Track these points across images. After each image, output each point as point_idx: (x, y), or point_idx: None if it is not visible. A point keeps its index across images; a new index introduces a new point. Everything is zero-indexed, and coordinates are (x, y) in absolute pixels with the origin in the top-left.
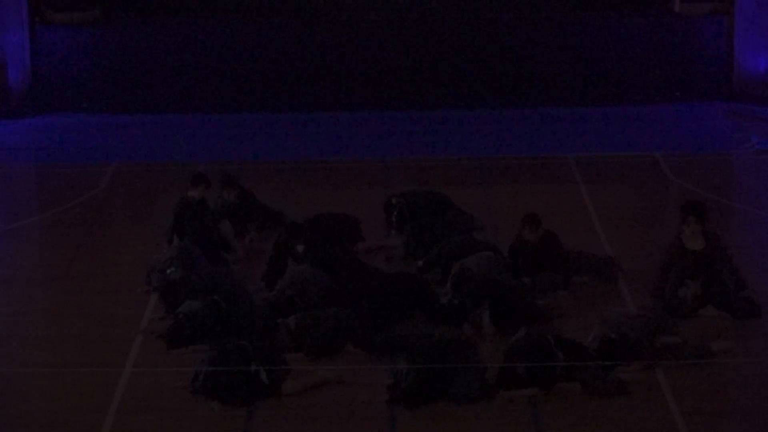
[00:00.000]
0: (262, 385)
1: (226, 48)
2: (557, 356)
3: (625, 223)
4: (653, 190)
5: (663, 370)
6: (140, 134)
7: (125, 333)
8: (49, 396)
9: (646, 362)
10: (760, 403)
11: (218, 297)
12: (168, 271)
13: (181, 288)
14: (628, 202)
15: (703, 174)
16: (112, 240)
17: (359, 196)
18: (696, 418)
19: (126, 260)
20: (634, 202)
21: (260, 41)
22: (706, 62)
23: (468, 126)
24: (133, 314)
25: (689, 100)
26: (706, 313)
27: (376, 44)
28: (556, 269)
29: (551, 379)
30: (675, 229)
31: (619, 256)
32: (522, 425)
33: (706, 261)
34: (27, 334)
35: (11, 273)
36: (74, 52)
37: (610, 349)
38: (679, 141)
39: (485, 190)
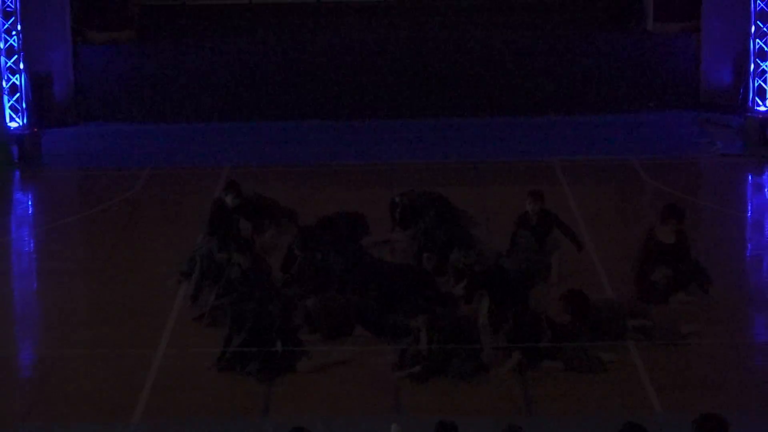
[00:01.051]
0: (281, 361)
1: (246, 64)
2: (546, 333)
3: (604, 220)
4: (629, 190)
5: (638, 350)
6: (171, 141)
7: (158, 318)
8: (90, 374)
9: (620, 342)
10: (724, 379)
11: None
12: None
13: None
14: (608, 201)
15: (674, 176)
16: (145, 236)
17: (366, 196)
18: (667, 393)
19: (158, 253)
20: (612, 201)
21: (278, 57)
22: (676, 75)
23: (463, 133)
24: (164, 301)
25: (661, 110)
26: (678, 298)
27: (382, 62)
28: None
29: (539, 352)
30: (650, 224)
31: (599, 249)
32: (513, 399)
33: (677, 253)
34: (71, 319)
35: (57, 265)
36: (111, 67)
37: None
38: (652, 146)
39: (479, 190)
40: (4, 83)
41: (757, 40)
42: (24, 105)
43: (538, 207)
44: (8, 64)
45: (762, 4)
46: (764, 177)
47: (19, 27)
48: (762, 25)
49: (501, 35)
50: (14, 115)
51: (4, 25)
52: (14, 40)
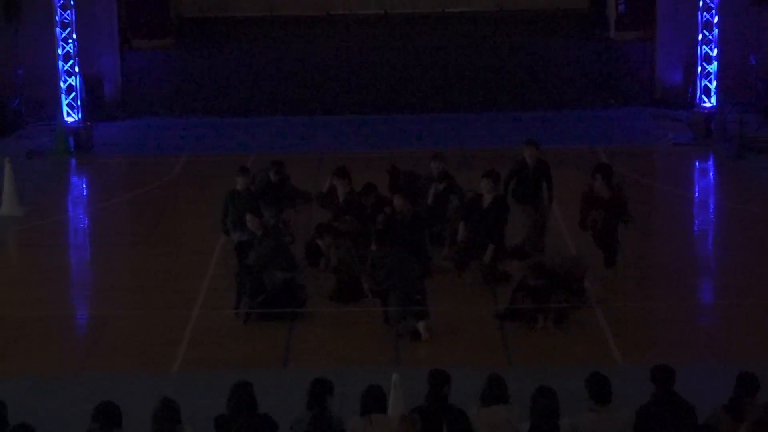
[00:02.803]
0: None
1: (268, 67)
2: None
3: (574, 198)
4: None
5: (603, 312)
6: (204, 132)
7: (193, 283)
8: (136, 331)
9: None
10: (674, 336)
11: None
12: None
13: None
14: (577, 183)
15: (633, 161)
16: (182, 213)
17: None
18: (627, 348)
19: (192, 228)
20: (580, 183)
21: (295, 61)
22: (635, 77)
23: (457, 126)
24: (198, 269)
25: (622, 106)
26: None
27: (383, 65)
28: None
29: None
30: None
31: (568, 222)
32: (495, 351)
33: (613, 205)
34: (118, 285)
35: (107, 238)
36: (153, 70)
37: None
38: (614, 136)
39: (468, 174)
40: (62, 84)
41: (703, 47)
42: (79, 103)
43: (535, 155)
44: (65, 68)
45: (708, 16)
46: (709, 163)
47: (74, 36)
48: (707, 34)
49: (490, 44)
50: (71, 111)
51: (61, 34)
52: (70, 47)
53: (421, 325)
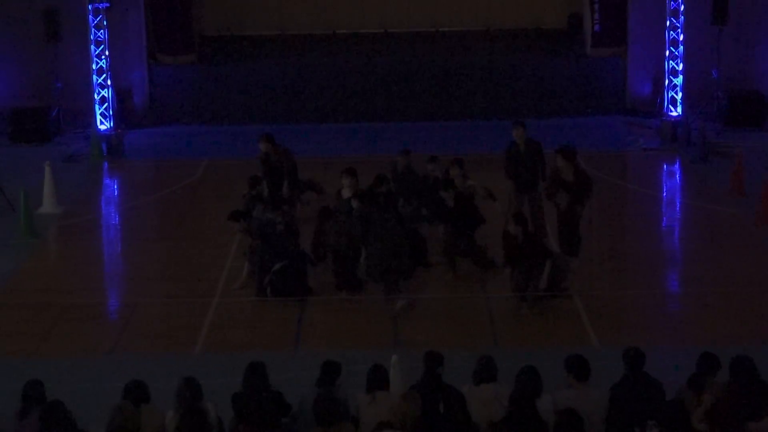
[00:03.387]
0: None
1: (280, 80)
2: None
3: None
4: None
5: (581, 299)
6: (223, 139)
7: (213, 274)
8: (161, 318)
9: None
10: (645, 322)
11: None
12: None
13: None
14: None
15: (608, 164)
16: (203, 212)
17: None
18: (603, 332)
19: (213, 225)
20: None
21: (304, 74)
22: (609, 88)
23: (449, 132)
24: (217, 262)
25: (597, 114)
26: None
27: (382, 78)
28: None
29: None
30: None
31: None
32: (485, 335)
33: (575, 187)
34: (146, 275)
35: (135, 234)
36: (178, 83)
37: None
38: (591, 141)
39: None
40: (95, 96)
41: (670, 62)
42: (111, 112)
43: (522, 135)
44: (99, 81)
45: (674, 34)
46: (675, 166)
47: (106, 53)
48: (674, 50)
49: (479, 60)
50: (103, 120)
51: (95, 51)
52: (103, 63)
53: (399, 305)
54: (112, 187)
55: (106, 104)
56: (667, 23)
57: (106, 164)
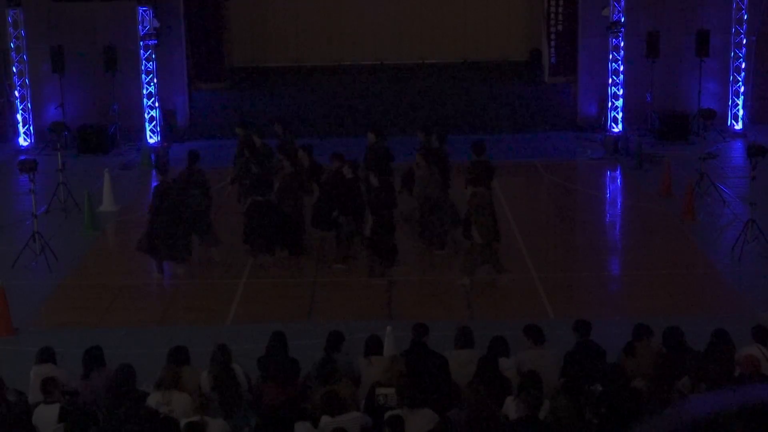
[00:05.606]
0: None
1: (297, 101)
2: None
3: (517, 198)
4: (534, 181)
5: (539, 280)
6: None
7: (241, 260)
8: (199, 295)
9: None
10: (592, 299)
11: None
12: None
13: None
14: (520, 187)
15: (561, 172)
16: (231, 210)
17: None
18: (557, 306)
19: (240, 221)
20: (523, 188)
21: (318, 97)
22: (562, 109)
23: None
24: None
25: (553, 131)
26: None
27: (377, 102)
28: None
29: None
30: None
31: (515, 217)
32: (460, 309)
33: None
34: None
35: None
36: (213, 105)
37: None
38: (550, 153)
39: None
40: (145, 115)
41: (612, 88)
42: (158, 129)
43: (426, 139)
44: (148, 104)
45: (615, 65)
46: (617, 172)
47: (155, 80)
48: (615, 78)
49: (457, 86)
50: (152, 135)
51: (145, 79)
52: (152, 89)
53: (337, 268)
54: None
55: (154, 122)
56: (610, 56)
57: (153, 172)
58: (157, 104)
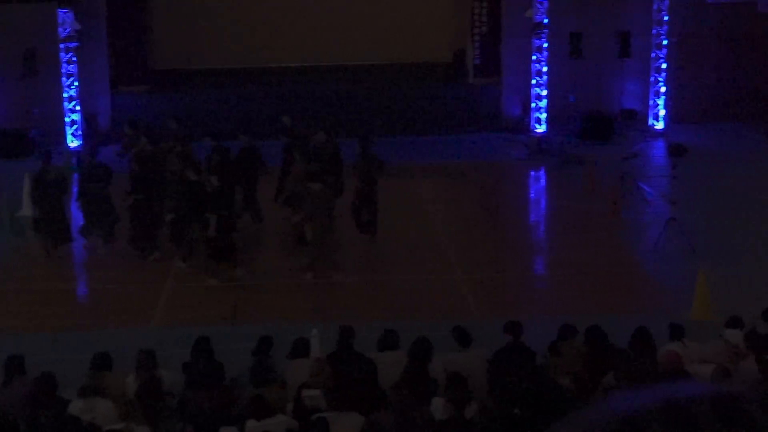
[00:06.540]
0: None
1: (220, 104)
2: None
3: (443, 198)
4: (459, 181)
5: (466, 283)
6: None
7: (165, 266)
8: (116, 301)
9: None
10: (520, 298)
11: None
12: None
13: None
14: (447, 187)
15: (487, 172)
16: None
17: None
18: (483, 306)
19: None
20: (449, 187)
21: (243, 99)
22: (488, 110)
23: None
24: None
25: (480, 132)
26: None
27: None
28: None
29: None
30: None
31: (439, 214)
32: (387, 310)
33: None
34: (110, 264)
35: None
36: (134, 108)
37: None
38: (475, 154)
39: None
40: (66, 119)
41: (536, 89)
42: (80, 132)
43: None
44: (69, 107)
45: (539, 66)
46: (540, 172)
47: (76, 83)
48: (539, 79)
49: (383, 87)
50: (74, 139)
51: (66, 82)
52: (73, 92)
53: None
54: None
55: (75, 126)
56: (534, 57)
57: (76, 175)
58: (78, 108)
